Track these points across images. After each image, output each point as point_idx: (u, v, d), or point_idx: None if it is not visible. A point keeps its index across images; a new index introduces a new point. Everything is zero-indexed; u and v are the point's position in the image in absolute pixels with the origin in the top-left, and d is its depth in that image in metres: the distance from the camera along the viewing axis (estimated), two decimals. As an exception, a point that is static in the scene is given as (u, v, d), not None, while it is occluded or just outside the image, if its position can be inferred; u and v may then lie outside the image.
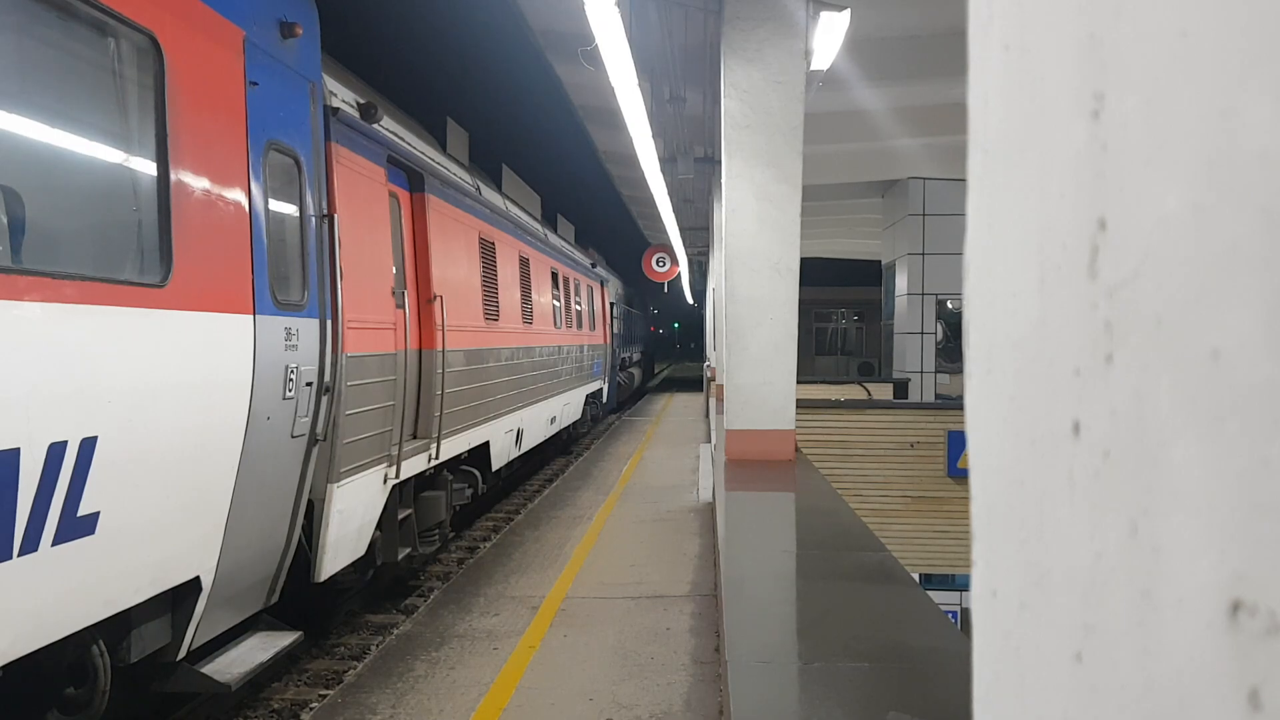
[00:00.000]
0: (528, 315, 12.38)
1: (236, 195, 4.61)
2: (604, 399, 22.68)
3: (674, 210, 18.81)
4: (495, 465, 10.50)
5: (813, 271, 18.42)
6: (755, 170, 7.70)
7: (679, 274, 30.48)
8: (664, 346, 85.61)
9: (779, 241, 7.79)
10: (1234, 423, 0.44)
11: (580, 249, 20.40)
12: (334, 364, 5.63)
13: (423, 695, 4.97)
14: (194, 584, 4.40)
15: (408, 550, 7.58)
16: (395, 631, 6.43)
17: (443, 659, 5.53)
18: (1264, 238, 0.43)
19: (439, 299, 7.97)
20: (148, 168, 3.98)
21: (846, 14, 7.45)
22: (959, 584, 14.05)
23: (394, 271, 7.09)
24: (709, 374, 24.48)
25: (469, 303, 9.23)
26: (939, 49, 9.80)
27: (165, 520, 4.04)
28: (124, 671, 4.26)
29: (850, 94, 11.23)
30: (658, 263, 27.35)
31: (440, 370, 7.87)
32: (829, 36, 7.78)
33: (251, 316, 4.66)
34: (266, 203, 4.91)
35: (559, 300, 15.51)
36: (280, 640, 5.27)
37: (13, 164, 3.34)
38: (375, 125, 6.70)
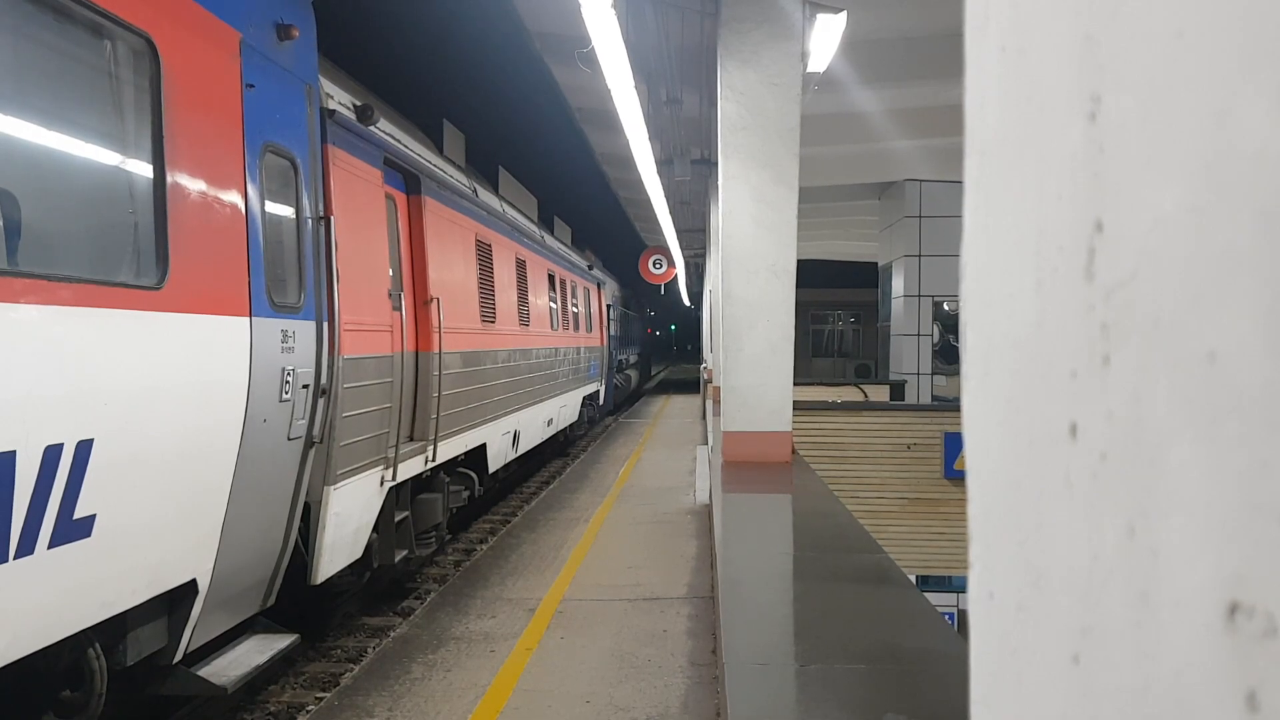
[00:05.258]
0: (524, 317, 12.37)
1: (233, 197, 4.60)
2: (601, 401, 22.66)
3: (671, 212, 18.81)
4: (492, 467, 10.49)
5: (809, 273, 18.41)
6: (752, 172, 7.70)
7: (676, 276, 30.50)
8: (661, 348, 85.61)
9: (775, 243, 7.79)
10: (1231, 424, 0.44)
11: (577, 251, 20.39)
12: (330, 366, 5.62)
13: (419, 698, 4.96)
14: (190, 586, 4.40)
15: (404, 553, 7.57)
16: (392, 634, 6.42)
17: (439, 661, 5.53)
18: (1261, 239, 0.43)
19: (435, 301, 7.96)
20: (144, 170, 3.98)
21: (843, 16, 7.47)
22: (956, 586, 14.06)
23: (390, 274, 7.09)
24: (706, 376, 24.48)
25: (465, 305, 9.22)
26: (935, 51, 9.81)
27: (161, 523, 4.03)
28: (120, 674, 4.24)
29: (847, 96, 11.23)
30: (654, 265, 27.39)
31: (437, 372, 7.86)
32: (825, 38, 7.80)
33: (248, 319, 4.65)
34: (263, 205, 4.90)
35: (555, 302, 15.50)
36: (277, 643, 5.26)
37: (9, 166, 3.34)
38: (372, 127, 6.69)
